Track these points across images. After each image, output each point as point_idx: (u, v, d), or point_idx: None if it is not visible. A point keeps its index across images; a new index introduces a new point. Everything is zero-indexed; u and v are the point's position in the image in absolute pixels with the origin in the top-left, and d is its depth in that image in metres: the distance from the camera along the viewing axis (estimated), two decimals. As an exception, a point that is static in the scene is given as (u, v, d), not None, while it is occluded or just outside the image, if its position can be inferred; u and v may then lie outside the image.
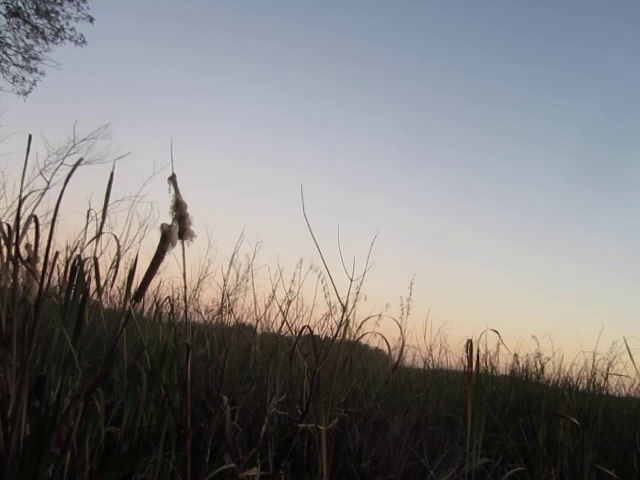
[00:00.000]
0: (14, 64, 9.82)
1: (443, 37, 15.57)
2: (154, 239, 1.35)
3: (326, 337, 2.53)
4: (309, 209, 1.66)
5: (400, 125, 16.65)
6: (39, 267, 1.39)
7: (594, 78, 14.05)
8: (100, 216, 1.64)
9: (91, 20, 9.77)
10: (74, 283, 1.50)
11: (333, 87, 16.55)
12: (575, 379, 3.34)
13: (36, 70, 10.02)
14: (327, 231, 1.81)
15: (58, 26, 9.68)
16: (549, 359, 3.53)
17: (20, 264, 1.36)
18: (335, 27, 15.24)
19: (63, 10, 9.59)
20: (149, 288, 1.61)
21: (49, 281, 1.44)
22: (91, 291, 1.69)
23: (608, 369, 3.10)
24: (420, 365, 3.51)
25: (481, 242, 13.46)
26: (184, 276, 1.51)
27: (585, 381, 3.25)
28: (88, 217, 1.83)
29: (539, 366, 3.61)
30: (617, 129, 14.08)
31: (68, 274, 1.52)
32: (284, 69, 16.28)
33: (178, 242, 1.37)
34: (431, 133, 16.60)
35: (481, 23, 14.91)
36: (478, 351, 1.89)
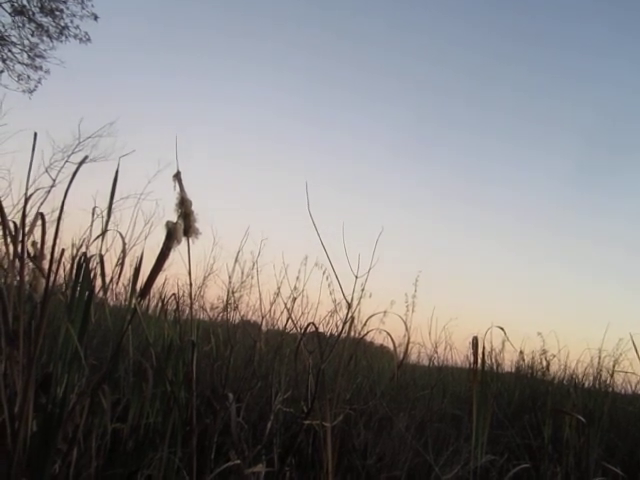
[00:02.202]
0: (19, 62, 9.85)
1: (445, 42, 15.51)
2: (159, 236, 1.35)
3: (331, 334, 2.53)
4: (314, 207, 1.66)
5: (402, 127, 16.60)
6: (45, 264, 1.40)
7: (593, 85, 14.01)
8: (105, 214, 1.64)
9: (95, 18, 9.78)
10: (80, 280, 1.50)
11: (335, 90, 16.48)
12: (581, 376, 3.33)
13: (41, 68, 10.04)
14: (332, 229, 1.80)
15: (63, 24, 9.70)
16: (554, 356, 3.51)
17: (26, 261, 1.36)
18: (337, 30, 15.21)
19: (67, 8, 9.60)
20: (154, 285, 1.61)
21: (55, 278, 1.44)
22: (97, 288, 1.70)
23: (614, 366, 3.09)
24: (425, 362, 3.52)
25: (486, 241, 13.43)
26: (189, 273, 1.51)
27: (591, 378, 3.24)
28: (93, 215, 1.84)
29: (544, 363, 3.60)
30: (616, 135, 14.05)
31: (74, 271, 1.53)
32: (286, 72, 16.24)
33: (183, 239, 1.37)
34: (433, 133, 16.57)
35: (483, 29, 14.87)
36: (483, 348, 1.89)
